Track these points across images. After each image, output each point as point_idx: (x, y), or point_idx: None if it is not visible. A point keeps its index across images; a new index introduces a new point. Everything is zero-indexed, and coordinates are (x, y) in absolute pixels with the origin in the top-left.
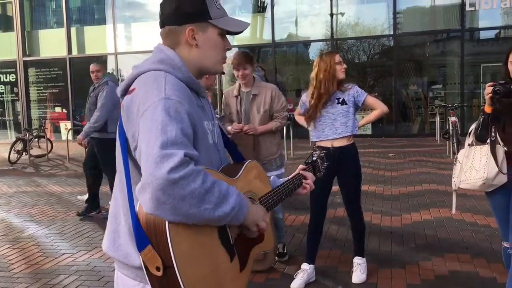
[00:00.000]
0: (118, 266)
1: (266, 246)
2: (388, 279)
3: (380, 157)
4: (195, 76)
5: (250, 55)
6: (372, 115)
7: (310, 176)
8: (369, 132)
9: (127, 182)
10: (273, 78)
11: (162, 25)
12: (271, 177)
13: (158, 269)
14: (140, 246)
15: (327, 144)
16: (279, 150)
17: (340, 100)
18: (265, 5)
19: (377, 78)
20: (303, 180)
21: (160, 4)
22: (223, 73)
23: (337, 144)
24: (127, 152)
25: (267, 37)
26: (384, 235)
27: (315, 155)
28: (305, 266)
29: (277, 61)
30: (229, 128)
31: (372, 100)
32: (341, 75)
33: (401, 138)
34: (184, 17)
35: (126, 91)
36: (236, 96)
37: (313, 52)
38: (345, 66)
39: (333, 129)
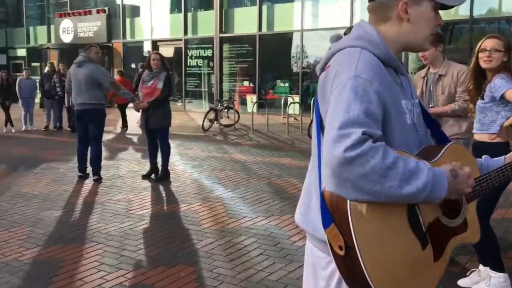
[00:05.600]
0: (309, 237)
1: (469, 237)
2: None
3: None
4: (397, 52)
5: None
6: None
7: None
8: None
9: (319, 159)
10: (467, 57)
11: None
12: (483, 157)
13: (340, 248)
14: (325, 224)
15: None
16: (467, 132)
17: (482, 93)
18: None
19: None
20: None
21: None
22: (428, 50)
23: (478, 138)
24: (320, 128)
25: (463, 12)
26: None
27: None
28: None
29: (473, 39)
30: None
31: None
32: (482, 63)
33: None
34: None
35: (323, 68)
36: (423, 77)
37: None
38: (492, 54)
39: (475, 122)
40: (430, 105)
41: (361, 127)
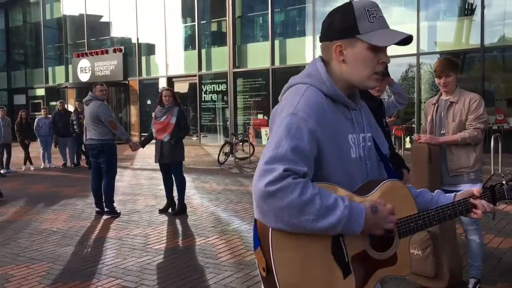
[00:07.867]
0: None
1: (399, 271)
2: None
3: None
4: (346, 89)
5: (454, 62)
6: None
7: (481, 205)
8: None
9: None
10: (479, 86)
11: (320, 41)
12: (436, 191)
13: (264, 270)
14: (254, 246)
15: None
16: (477, 163)
17: None
18: (473, 7)
19: None
20: (473, 210)
21: (322, 22)
22: (374, 88)
23: None
24: None
25: (474, 41)
26: None
27: (500, 179)
28: None
29: (485, 68)
30: (415, 136)
31: None
32: None
33: None
34: (334, 33)
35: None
36: (434, 104)
37: None
38: None
39: None
40: (442, 132)
41: (284, 164)
